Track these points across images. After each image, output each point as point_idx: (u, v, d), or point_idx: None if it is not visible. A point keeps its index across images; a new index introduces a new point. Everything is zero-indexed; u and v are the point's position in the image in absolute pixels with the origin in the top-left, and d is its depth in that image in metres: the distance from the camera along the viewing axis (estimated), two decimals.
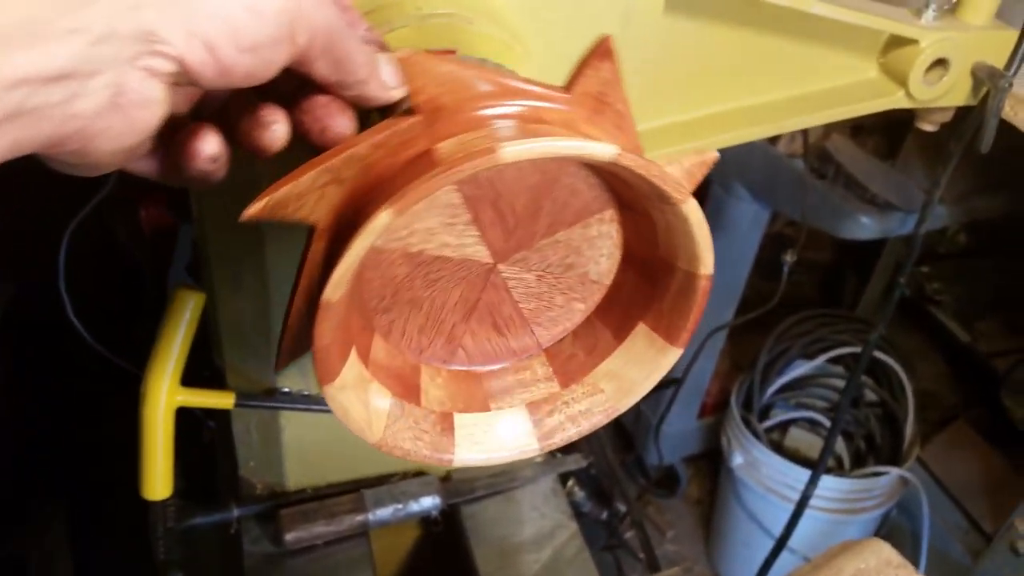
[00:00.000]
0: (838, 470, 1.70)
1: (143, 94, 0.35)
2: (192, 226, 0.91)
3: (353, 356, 0.47)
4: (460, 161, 0.38)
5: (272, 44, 0.37)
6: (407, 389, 0.51)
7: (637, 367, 0.52)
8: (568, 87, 0.44)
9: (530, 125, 0.43)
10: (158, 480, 0.77)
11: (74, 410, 1.65)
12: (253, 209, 0.41)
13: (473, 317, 0.52)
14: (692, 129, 0.79)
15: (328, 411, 0.81)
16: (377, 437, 0.48)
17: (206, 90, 0.39)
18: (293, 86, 0.42)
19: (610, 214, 0.50)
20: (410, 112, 0.42)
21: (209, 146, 0.41)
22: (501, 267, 0.50)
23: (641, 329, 0.52)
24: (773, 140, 1.50)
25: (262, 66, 0.38)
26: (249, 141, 0.41)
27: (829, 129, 1.49)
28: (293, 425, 0.84)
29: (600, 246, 0.51)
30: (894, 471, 1.60)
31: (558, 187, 0.48)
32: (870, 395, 1.71)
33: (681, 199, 0.44)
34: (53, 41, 0.31)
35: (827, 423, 1.72)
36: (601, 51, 0.44)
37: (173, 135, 0.42)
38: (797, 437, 1.76)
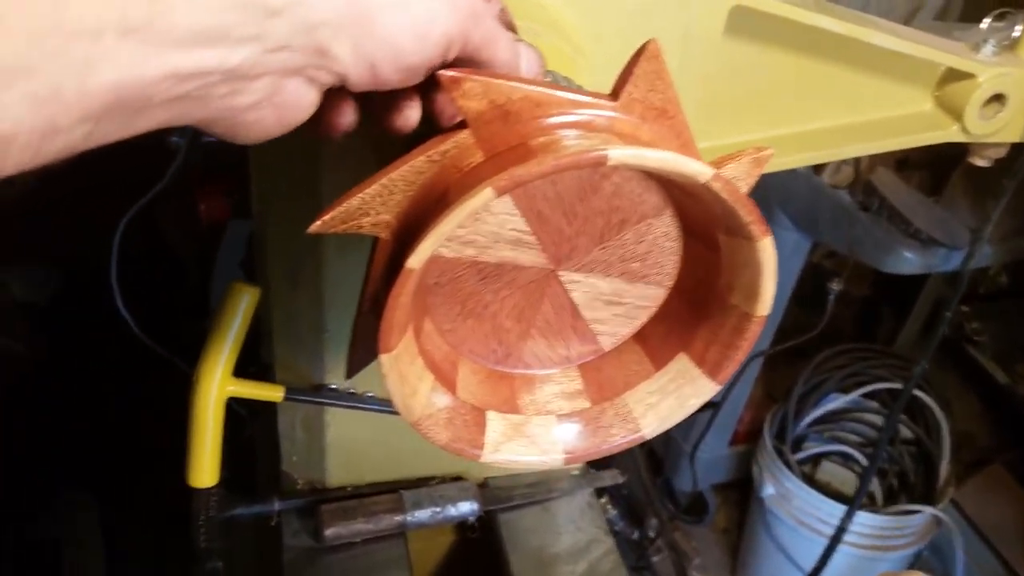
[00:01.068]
0: (870, 506, 1.69)
1: (299, 98, 0.38)
2: (248, 221, 0.93)
3: (409, 334, 0.48)
4: (567, 154, 0.40)
5: (428, 64, 0.40)
6: (445, 379, 0.53)
7: (672, 396, 0.53)
8: (615, 93, 0.44)
9: (599, 134, 0.44)
10: (205, 468, 0.79)
11: (111, 399, 1.68)
12: (317, 225, 0.43)
13: (528, 321, 0.54)
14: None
15: (372, 409, 0.83)
16: (415, 416, 0.49)
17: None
18: None
19: (669, 220, 0.50)
20: (463, 125, 0.43)
21: (346, 119, 0.43)
22: (561, 273, 0.51)
23: (682, 359, 0.53)
24: (817, 170, 1.50)
25: (412, 79, 0.40)
26: (383, 121, 0.43)
27: (874, 162, 1.49)
28: (338, 423, 0.85)
29: (661, 252, 0.51)
30: (928, 510, 1.58)
31: (617, 193, 0.48)
32: (905, 432, 1.69)
33: (760, 235, 0.44)
34: (233, 44, 0.33)
35: (860, 458, 1.71)
36: (648, 54, 0.43)
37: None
38: (829, 471, 1.75)
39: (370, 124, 0.45)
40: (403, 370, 0.48)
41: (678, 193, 0.49)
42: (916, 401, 1.67)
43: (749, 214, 0.43)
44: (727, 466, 2.00)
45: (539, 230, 0.49)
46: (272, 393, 0.81)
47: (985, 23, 0.79)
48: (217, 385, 0.77)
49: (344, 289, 0.76)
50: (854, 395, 1.71)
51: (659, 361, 0.53)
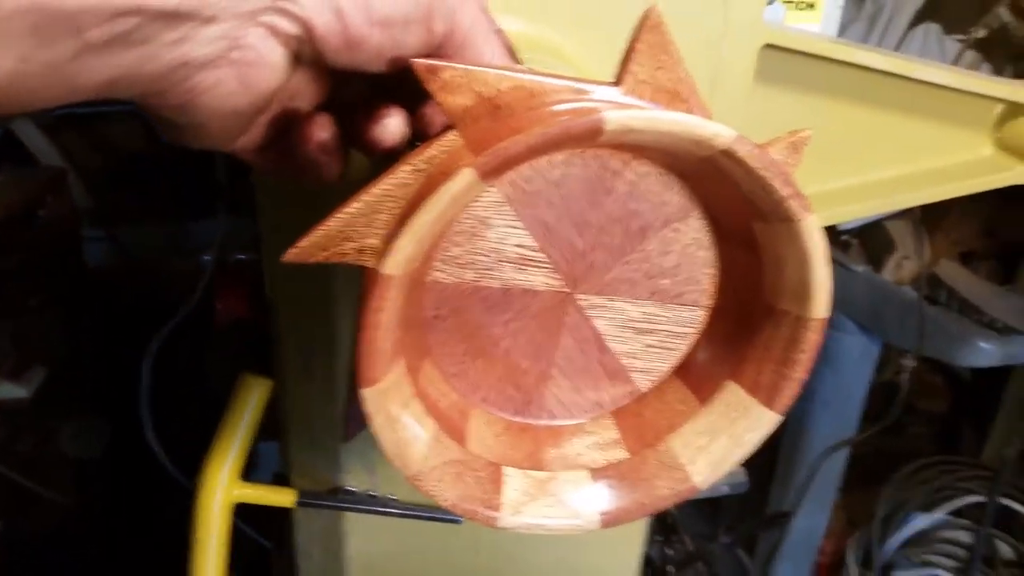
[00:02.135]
0: None
1: (260, 53, 0.33)
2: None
3: (401, 370, 0.41)
4: (560, 120, 0.34)
5: (405, 22, 0.35)
6: (452, 429, 0.45)
7: (724, 435, 0.44)
8: (618, 78, 0.38)
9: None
10: None
11: (155, 546, 1.62)
12: (293, 252, 0.39)
13: (547, 359, 0.46)
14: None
15: (396, 514, 0.74)
16: (413, 470, 0.41)
17: (332, 69, 0.37)
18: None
19: (697, 223, 0.43)
20: (448, 128, 0.38)
21: (322, 132, 0.38)
22: (579, 297, 0.44)
23: (732, 388, 0.44)
24: (877, 267, 1.43)
25: (391, 45, 0.35)
26: (361, 135, 0.38)
27: (936, 255, 1.42)
28: (358, 532, 0.77)
29: (693, 263, 0.44)
30: None
31: (633, 194, 0.42)
32: (1006, 551, 1.53)
33: (801, 211, 0.37)
34: None
35: None
36: (649, 25, 0.37)
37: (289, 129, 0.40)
38: None
39: (351, 141, 0.40)
40: (392, 411, 0.40)
41: (704, 189, 0.42)
42: (1015, 515, 1.51)
43: (785, 185, 0.36)
44: None
45: (547, 245, 0.42)
46: (283, 498, 0.73)
47: None
48: (223, 489, 0.70)
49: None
50: (940, 512, 1.56)
51: (705, 395, 0.45)
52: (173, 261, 1.98)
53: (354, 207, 0.37)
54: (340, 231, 0.38)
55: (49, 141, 1.79)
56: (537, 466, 0.46)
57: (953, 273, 1.37)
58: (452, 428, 0.44)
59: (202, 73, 0.32)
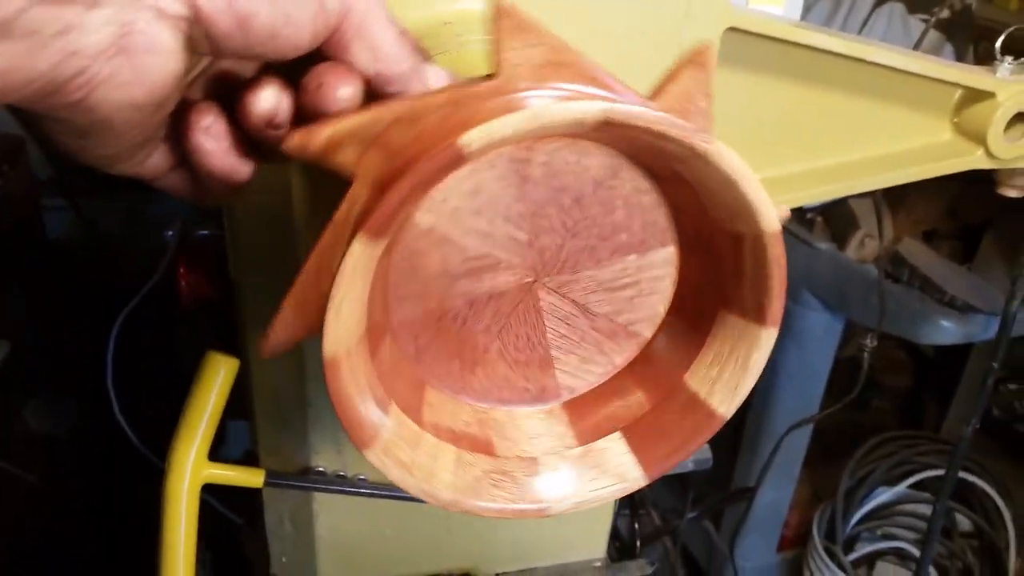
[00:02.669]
0: None
1: (151, 37, 0.33)
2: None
3: (396, 413, 0.43)
4: (417, 166, 0.34)
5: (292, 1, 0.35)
6: (476, 439, 0.47)
7: (731, 361, 0.45)
8: (495, 70, 0.38)
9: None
10: (179, 565, 0.71)
11: (121, 521, 1.62)
12: (267, 345, 0.40)
13: (532, 350, 0.47)
14: None
15: (365, 494, 0.75)
16: (447, 497, 0.43)
17: (225, 54, 0.36)
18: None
19: (628, 173, 0.44)
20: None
21: (204, 117, 0.38)
22: (545, 281, 0.45)
23: (724, 318, 0.46)
24: (841, 245, 1.44)
25: (284, 24, 0.35)
26: (239, 108, 0.38)
27: (899, 234, 1.44)
28: (327, 512, 0.77)
29: (643, 210, 0.45)
30: None
31: (554, 177, 0.42)
32: (964, 523, 1.57)
33: (705, 144, 0.37)
34: None
35: (917, 553, 1.58)
36: (500, 13, 0.37)
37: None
38: (885, 571, 1.62)
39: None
40: (404, 458, 0.42)
41: (619, 144, 0.42)
42: (972, 488, 1.55)
43: (675, 127, 0.36)
44: (775, 574, 1.86)
45: (491, 248, 0.43)
46: (252, 478, 0.74)
47: (999, 42, 0.75)
48: (191, 469, 0.70)
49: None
50: (902, 486, 1.59)
51: (704, 328, 0.46)
52: (137, 234, 1.96)
53: (297, 284, 0.38)
54: (296, 307, 0.38)
55: (5, 108, 1.76)
56: (571, 443, 0.47)
57: (915, 251, 1.39)
58: (475, 443, 0.46)
59: (95, 64, 0.32)
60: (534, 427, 0.48)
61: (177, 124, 0.39)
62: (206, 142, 0.38)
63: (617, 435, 0.48)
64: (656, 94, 0.39)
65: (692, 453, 0.46)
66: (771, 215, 0.40)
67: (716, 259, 0.45)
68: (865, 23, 1.37)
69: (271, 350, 0.40)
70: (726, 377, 0.45)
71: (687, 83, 0.39)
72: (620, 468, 0.47)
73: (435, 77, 0.40)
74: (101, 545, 1.64)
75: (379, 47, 0.37)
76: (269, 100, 0.37)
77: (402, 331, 0.44)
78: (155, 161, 0.40)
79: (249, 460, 0.81)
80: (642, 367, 0.48)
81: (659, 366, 0.48)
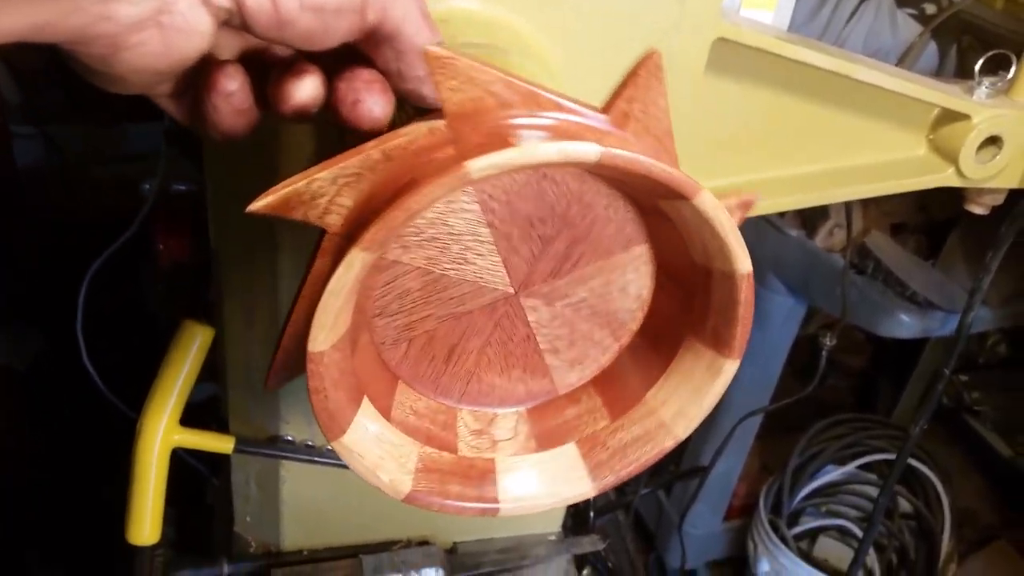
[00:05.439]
0: None
1: (188, 20, 0.34)
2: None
3: (367, 407, 0.44)
4: (426, 184, 0.36)
5: (337, 11, 0.36)
6: (440, 437, 0.48)
7: (691, 387, 0.47)
8: (607, 106, 0.41)
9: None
10: (146, 523, 0.73)
11: (83, 462, 1.62)
12: (261, 202, 0.39)
13: (503, 355, 0.49)
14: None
15: (332, 464, 0.77)
16: (406, 491, 0.45)
17: (262, 40, 0.37)
18: (345, 60, 0.40)
19: (642, 251, 0.47)
20: (437, 115, 0.39)
21: (230, 82, 0.38)
22: (522, 299, 0.47)
23: (689, 345, 0.48)
24: (810, 234, 1.47)
25: (322, 30, 0.36)
26: (275, 91, 0.39)
27: (868, 226, 1.46)
28: (294, 478, 0.79)
29: (632, 275, 0.47)
30: None
31: (588, 215, 0.44)
32: (905, 506, 1.62)
33: (693, 192, 0.39)
34: None
35: (858, 532, 1.64)
36: (647, 68, 0.40)
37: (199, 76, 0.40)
38: (826, 547, 1.68)
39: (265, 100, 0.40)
40: (369, 449, 0.44)
41: (649, 208, 0.44)
42: (916, 474, 1.61)
43: (666, 173, 0.38)
44: (720, 542, 1.92)
45: (504, 247, 0.45)
46: (222, 444, 0.75)
47: (978, 65, 0.76)
48: (162, 433, 0.71)
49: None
50: (851, 467, 1.64)
51: (669, 355, 0.48)
52: (110, 167, 1.93)
53: (324, 173, 0.38)
54: (306, 191, 0.39)
55: None
56: (526, 449, 0.49)
57: (882, 244, 1.42)
58: (442, 433, 0.48)
59: (126, 32, 0.32)
60: (498, 430, 0.50)
61: (199, 77, 0.40)
62: (225, 106, 0.39)
63: (573, 445, 0.50)
64: (612, 103, 0.41)
65: (642, 469, 0.48)
66: (745, 258, 0.42)
67: (687, 289, 0.47)
68: (853, 14, 1.37)
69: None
70: (685, 399, 0.47)
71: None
72: (572, 477, 0.49)
73: None
74: (54, 478, 1.65)
75: (404, 52, 0.39)
76: (308, 91, 0.38)
77: (383, 335, 0.46)
78: (160, 89, 0.41)
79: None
80: (607, 382, 0.50)
81: (623, 383, 0.50)
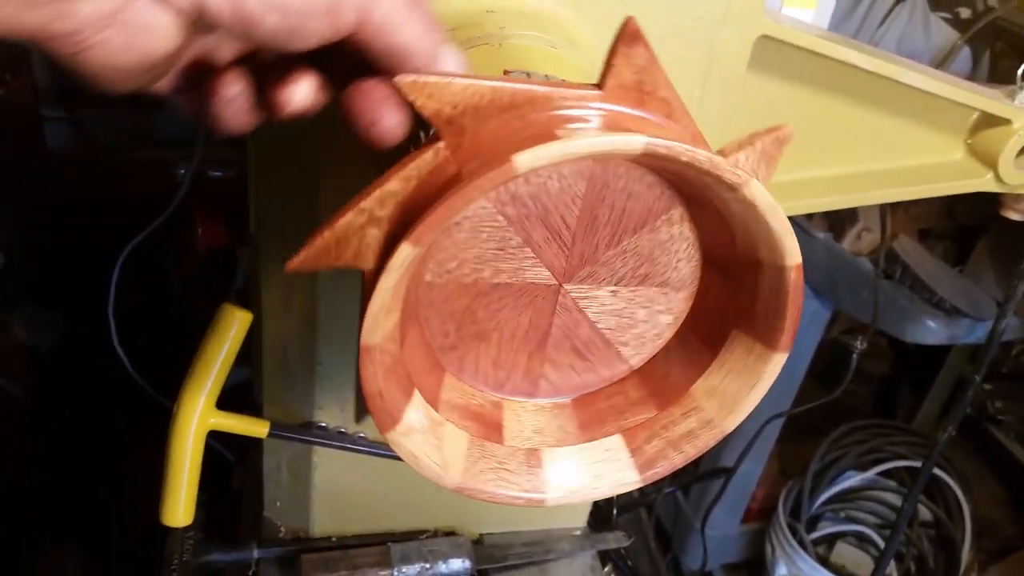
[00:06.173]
0: None
1: (147, 19, 0.33)
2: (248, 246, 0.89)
3: (417, 399, 0.45)
4: (470, 182, 0.36)
5: (304, 14, 0.35)
6: (488, 427, 0.49)
7: (739, 379, 0.47)
8: (600, 83, 0.40)
9: (562, 130, 0.39)
10: (180, 506, 0.74)
11: (106, 442, 1.64)
12: (295, 261, 0.39)
13: (549, 345, 0.49)
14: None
15: (365, 452, 0.78)
16: (455, 481, 0.46)
17: (240, 40, 0.37)
18: (352, 64, 0.39)
19: (679, 213, 0.46)
20: (436, 138, 0.39)
21: (230, 89, 0.38)
22: (568, 287, 0.47)
23: (736, 337, 0.48)
24: (838, 236, 1.46)
25: (293, 31, 0.35)
26: (270, 96, 0.38)
27: (897, 230, 1.46)
28: (325, 464, 0.80)
29: (675, 249, 0.47)
30: None
31: (611, 192, 0.44)
32: (924, 514, 1.62)
33: (741, 182, 0.39)
34: None
35: (877, 539, 1.63)
36: (628, 36, 0.39)
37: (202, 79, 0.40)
38: (844, 553, 1.67)
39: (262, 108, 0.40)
40: (420, 440, 0.44)
41: (672, 176, 0.44)
42: (936, 482, 1.60)
43: (714, 167, 0.38)
44: (738, 545, 1.92)
45: (535, 243, 0.45)
46: (257, 428, 0.76)
47: (1021, 70, 0.76)
48: (198, 416, 0.72)
49: (342, 319, 0.72)
50: (871, 473, 1.64)
51: (715, 346, 0.48)
52: (143, 153, 1.94)
53: (347, 217, 0.39)
54: (336, 241, 0.39)
55: None
56: (573, 439, 0.50)
57: (910, 250, 1.41)
58: (489, 424, 0.49)
59: (86, 30, 0.32)
60: (543, 420, 0.51)
61: (200, 82, 0.40)
62: (227, 110, 0.39)
63: (618, 436, 0.50)
64: (602, 84, 0.40)
65: (688, 461, 0.48)
66: (795, 248, 0.42)
67: (735, 281, 0.47)
68: (885, 18, 1.37)
69: (293, 269, 0.41)
70: (732, 393, 0.47)
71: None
72: (617, 468, 0.49)
73: (451, 62, 0.40)
74: (78, 459, 1.66)
75: (394, 50, 0.38)
76: (302, 97, 0.38)
77: (433, 327, 0.46)
78: (161, 85, 0.40)
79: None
80: (652, 374, 0.51)
81: (668, 375, 0.50)
